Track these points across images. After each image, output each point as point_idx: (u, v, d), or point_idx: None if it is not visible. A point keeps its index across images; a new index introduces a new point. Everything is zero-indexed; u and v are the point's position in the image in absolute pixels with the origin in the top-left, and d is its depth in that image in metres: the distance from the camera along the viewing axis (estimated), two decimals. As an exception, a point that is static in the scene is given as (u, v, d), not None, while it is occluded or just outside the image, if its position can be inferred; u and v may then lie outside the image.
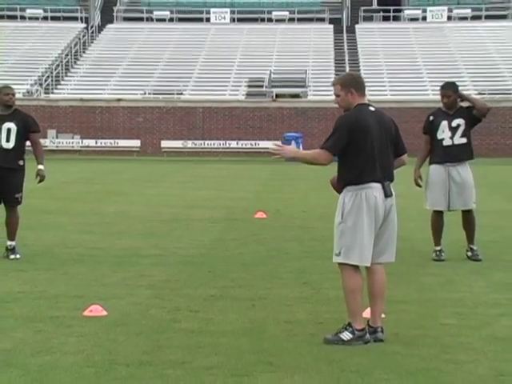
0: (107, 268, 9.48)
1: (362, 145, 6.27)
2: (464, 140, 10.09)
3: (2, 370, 5.49)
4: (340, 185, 6.41)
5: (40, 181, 10.22)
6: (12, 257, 9.95)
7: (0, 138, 9.94)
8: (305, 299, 7.87)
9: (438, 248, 10.22)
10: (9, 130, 9.94)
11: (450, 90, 10.14)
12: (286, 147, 6.64)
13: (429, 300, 7.88)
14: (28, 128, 10.10)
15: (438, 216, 10.27)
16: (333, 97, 6.68)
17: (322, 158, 6.33)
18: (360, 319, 6.29)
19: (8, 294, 7.98)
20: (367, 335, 6.27)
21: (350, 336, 6.20)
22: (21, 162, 10.09)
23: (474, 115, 10.06)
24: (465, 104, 10.29)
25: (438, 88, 10.60)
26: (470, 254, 10.19)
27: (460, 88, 10.36)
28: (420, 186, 10.29)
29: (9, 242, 10.07)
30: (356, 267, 6.32)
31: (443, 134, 10.08)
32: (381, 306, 6.50)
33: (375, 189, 6.28)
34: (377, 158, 6.32)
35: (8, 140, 9.95)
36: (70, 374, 5.42)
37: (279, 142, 6.53)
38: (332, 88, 6.55)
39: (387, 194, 6.33)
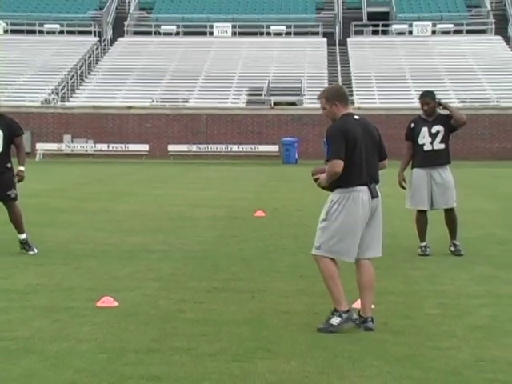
0: (118, 262, 9.49)
1: (351, 153, 6.31)
2: (442, 146, 10.13)
3: (23, 356, 5.50)
4: (331, 186, 6.39)
5: (19, 181, 10.10)
6: (31, 253, 9.95)
7: None
8: (301, 291, 7.89)
9: (423, 244, 10.24)
10: None
11: (428, 97, 10.20)
12: (321, 177, 6.38)
13: (415, 292, 7.89)
14: (13, 133, 10.02)
15: (421, 215, 10.31)
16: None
17: (336, 167, 6.24)
18: (344, 302, 6.33)
19: (27, 286, 8.01)
20: (354, 315, 6.33)
21: (339, 320, 6.24)
22: (8, 165, 10.01)
23: (451, 124, 10.11)
24: (444, 112, 10.31)
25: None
26: (452, 249, 10.21)
27: (442, 97, 10.40)
28: (404, 187, 10.34)
29: (20, 236, 10.06)
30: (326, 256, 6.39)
31: (424, 139, 10.12)
32: (370, 298, 6.51)
33: (362, 191, 6.35)
34: (364, 163, 6.38)
35: None
36: (85, 360, 5.43)
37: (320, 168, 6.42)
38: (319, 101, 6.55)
39: (374, 195, 6.41)
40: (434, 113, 10.19)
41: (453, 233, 10.26)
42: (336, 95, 6.52)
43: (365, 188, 6.37)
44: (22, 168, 10.01)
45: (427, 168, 10.13)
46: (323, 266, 6.41)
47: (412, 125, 10.25)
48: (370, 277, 6.54)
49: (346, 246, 6.35)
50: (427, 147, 10.09)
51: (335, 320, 6.25)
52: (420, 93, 10.53)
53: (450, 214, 10.26)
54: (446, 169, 10.19)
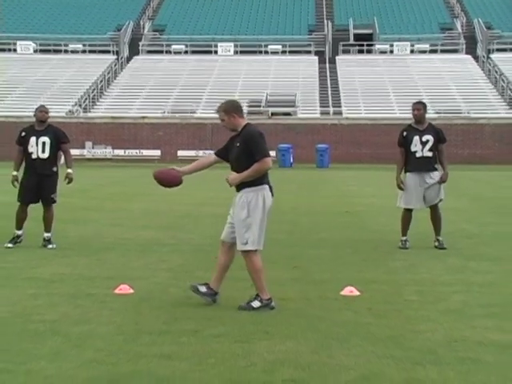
0: (133, 254, 9.50)
1: None
2: (430, 154, 10.13)
3: (49, 337, 5.51)
4: (241, 184, 6.42)
5: (68, 182, 10.20)
6: (50, 246, 9.97)
7: (37, 150, 9.95)
8: (294, 280, 7.88)
9: (404, 238, 10.24)
10: (44, 143, 9.97)
11: (420, 104, 10.31)
12: (229, 178, 6.50)
13: (395, 280, 7.90)
14: (59, 140, 10.11)
15: (408, 213, 10.31)
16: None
17: (270, 163, 6.44)
18: (266, 291, 6.44)
19: (54, 275, 8.01)
20: (272, 303, 6.42)
21: (259, 304, 6.38)
22: (54, 169, 10.09)
23: (439, 136, 10.18)
24: (433, 123, 10.39)
25: (404, 107, 10.67)
26: (436, 243, 10.21)
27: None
28: (402, 189, 10.24)
29: (46, 234, 10.09)
30: (256, 251, 6.44)
31: (416, 147, 10.11)
32: (223, 276, 6.68)
33: (267, 189, 6.46)
34: None
35: (44, 151, 9.97)
36: (104, 341, 5.43)
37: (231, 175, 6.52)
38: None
39: (273, 194, 6.54)
40: (423, 120, 10.19)
41: (437, 229, 10.25)
42: (234, 108, 6.57)
43: (267, 186, 6.49)
44: (69, 170, 10.15)
45: (419, 172, 10.13)
46: (252, 261, 6.43)
47: (404, 133, 10.23)
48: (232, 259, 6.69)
49: (263, 236, 6.46)
50: (419, 154, 10.10)
51: (256, 304, 6.38)
52: (410, 104, 10.62)
53: (435, 211, 10.25)
54: (434, 173, 10.20)
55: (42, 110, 10.12)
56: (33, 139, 9.95)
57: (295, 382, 4.57)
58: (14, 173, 10.04)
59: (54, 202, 10.15)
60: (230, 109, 6.54)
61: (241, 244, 6.41)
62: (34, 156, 9.95)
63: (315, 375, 4.70)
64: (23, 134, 10.06)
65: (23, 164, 10.14)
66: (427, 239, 10.48)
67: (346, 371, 4.77)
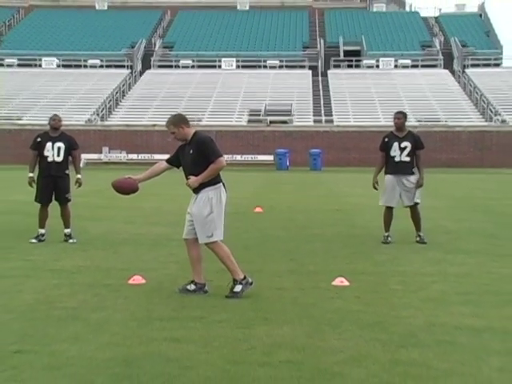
0: (145, 248, 9.49)
1: None
2: (408, 159, 10.12)
3: (71, 323, 5.51)
4: (200, 185, 6.47)
5: (78, 186, 10.22)
6: (70, 241, 9.98)
7: (53, 154, 9.97)
8: (291, 272, 7.88)
9: (386, 234, 10.24)
10: (59, 148, 10.02)
11: (400, 114, 10.31)
12: (189, 181, 6.56)
13: (381, 272, 7.90)
14: (71, 146, 10.13)
15: (388, 211, 10.32)
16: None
17: (223, 162, 6.46)
18: (239, 271, 6.44)
19: (74, 267, 8.01)
20: (249, 279, 6.42)
21: (240, 287, 6.36)
22: (67, 171, 10.13)
23: (416, 144, 10.14)
24: (413, 130, 10.38)
25: (389, 116, 10.68)
26: (418, 239, 10.21)
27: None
28: (376, 189, 10.33)
29: (66, 230, 10.12)
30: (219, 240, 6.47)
31: (395, 152, 10.11)
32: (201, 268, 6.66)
33: (222, 187, 6.54)
34: None
35: (59, 155, 10.01)
36: (119, 326, 5.43)
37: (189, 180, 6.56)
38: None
39: (226, 191, 6.62)
40: (404, 128, 10.19)
41: (417, 226, 10.26)
42: (181, 120, 6.57)
43: (221, 184, 6.57)
44: (79, 176, 10.20)
45: (397, 175, 10.13)
46: (220, 249, 6.48)
47: (386, 139, 10.25)
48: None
49: (223, 228, 6.52)
50: (397, 158, 10.10)
51: (237, 288, 6.36)
52: (393, 112, 10.65)
53: (414, 210, 10.26)
54: (411, 176, 10.18)
55: (55, 119, 10.16)
56: (49, 144, 9.97)
57: (291, 362, 4.57)
58: (31, 174, 10.05)
59: (69, 200, 10.16)
60: (178, 121, 6.55)
61: (206, 237, 6.44)
62: (49, 159, 9.97)
63: (309, 357, 4.70)
64: (39, 139, 10.07)
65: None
66: (409, 235, 10.48)
67: (336, 353, 4.77)
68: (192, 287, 6.62)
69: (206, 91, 47.00)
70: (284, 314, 5.85)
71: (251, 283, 6.45)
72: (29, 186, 10.16)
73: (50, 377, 4.28)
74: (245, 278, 6.45)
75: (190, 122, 6.78)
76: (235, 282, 6.42)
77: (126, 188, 6.79)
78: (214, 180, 6.47)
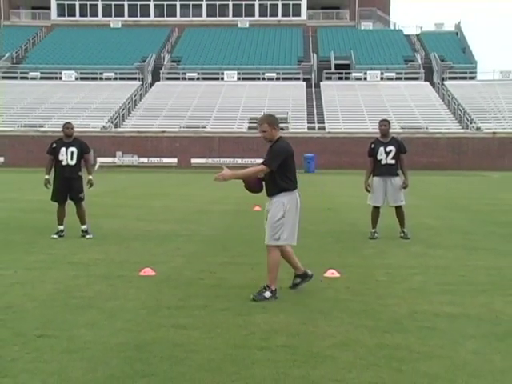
0: (155, 243, 9.48)
1: (291, 165, 6.13)
2: (393, 161, 10.11)
3: (87, 311, 5.50)
4: (275, 190, 6.06)
5: (90, 186, 10.20)
6: (87, 237, 9.96)
7: (67, 158, 9.99)
8: (286, 265, 7.86)
9: (373, 230, 10.23)
10: (72, 152, 10.04)
11: (385, 121, 10.29)
12: (223, 173, 5.98)
13: (368, 265, 7.88)
14: (84, 150, 10.14)
15: (375, 209, 10.30)
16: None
17: (263, 169, 6.00)
18: (276, 283, 6.08)
19: (90, 260, 8.01)
20: (277, 293, 6.06)
21: (270, 295, 5.99)
22: (80, 173, 10.14)
23: (400, 148, 10.12)
24: (396, 136, 10.36)
25: (376, 123, 10.65)
26: (402, 235, 10.20)
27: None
28: (369, 191, 10.29)
29: (82, 227, 10.12)
30: (278, 247, 6.11)
31: (381, 156, 10.11)
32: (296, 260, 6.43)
33: (297, 193, 6.16)
34: (295, 173, 6.20)
35: (72, 159, 10.02)
36: (131, 314, 5.42)
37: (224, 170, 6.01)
38: (267, 126, 6.05)
39: (300, 196, 6.21)
40: (388, 133, 10.18)
41: (402, 223, 10.25)
42: (275, 122, 6.10)
43: (297, 191, 6.17)
44: (90, 177, 10.14)
45: (383, 176, 10.13)
46: (275, 254, 6.08)
47: (372, 145, 10.24)
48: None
49: (294, 234, 6.16)
50: (383, 162, 10.10)
51: (267, 294, 5.99)
52: (379, 120, 10.59)
53: (398, 209, 10.27)
54: (396, 178, 10.17)
55: (68, 127, 10.16)
56: (63, 149, 10.00)
57: (287, 347, 4.56)
58: (46, 176, 10.02)
59: (83, 199, 10.17)
60: (273, 122, 6.09)
61: (272, 240, 6.03)
62: (64, 163, 9.99)
63: (303, 341, 4.69)
64: (54, 145, 10.10)
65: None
66: (394, 231, 10.47)
67: (328, 338, 4.76)
68: (297, 280, 6.41)
69: (210, 101, 47.02)
70: (280, 303, 5.84)
71: (276, 298, 6.04)
72: (44, 187, 10.15)
73: (68, 359, 4.28)
74: (276, 290, 6.03)
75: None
76: (268, 288, 6.04)
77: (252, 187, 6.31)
78: (291, 187, 6.07)
